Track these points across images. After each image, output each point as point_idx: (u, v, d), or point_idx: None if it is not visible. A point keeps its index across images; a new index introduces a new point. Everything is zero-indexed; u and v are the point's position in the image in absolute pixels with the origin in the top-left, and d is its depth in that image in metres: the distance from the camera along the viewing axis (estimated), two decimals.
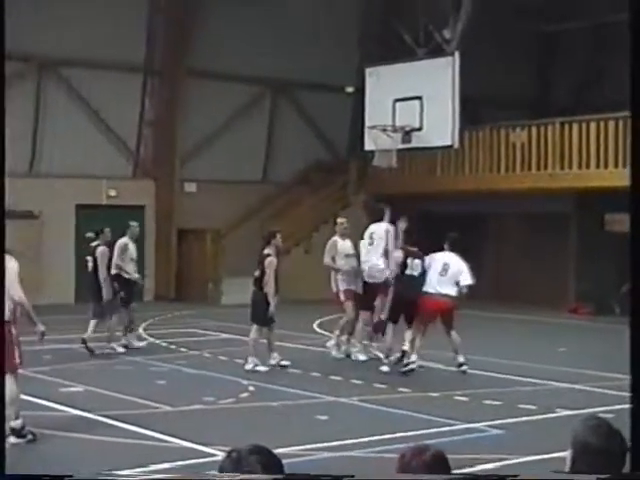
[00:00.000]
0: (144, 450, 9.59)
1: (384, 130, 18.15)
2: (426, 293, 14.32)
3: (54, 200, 24.03)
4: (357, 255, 15.60)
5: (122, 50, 24.52)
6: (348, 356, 15.58)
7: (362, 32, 27.60)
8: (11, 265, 9.15)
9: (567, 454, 3.45)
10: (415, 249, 14.63)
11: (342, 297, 15.61)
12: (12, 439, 9.25)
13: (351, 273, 15.59)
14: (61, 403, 11.72)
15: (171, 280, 25.28)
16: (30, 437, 9.68)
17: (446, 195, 24.64)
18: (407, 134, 17.96)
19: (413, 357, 14.21)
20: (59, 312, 21.38)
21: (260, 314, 14.43)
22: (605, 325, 20.75)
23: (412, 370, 14.09)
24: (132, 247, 16.53)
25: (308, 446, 9.65)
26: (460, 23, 19.45)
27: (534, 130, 23.67)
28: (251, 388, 12.92)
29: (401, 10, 22.68)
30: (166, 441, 9.94)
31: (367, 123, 18.74)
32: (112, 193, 25.29)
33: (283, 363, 14.58)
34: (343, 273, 15.59)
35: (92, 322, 15.94)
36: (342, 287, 15.58)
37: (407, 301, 14.42)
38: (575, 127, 22.80)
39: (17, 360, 9.38)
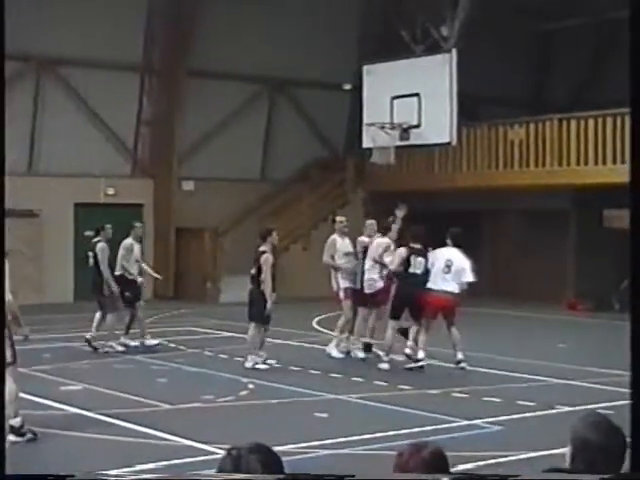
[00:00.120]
0: (144, 448, 9.59)
1: (382, 127, 18.16)
2: (429, 290, 14.34)
3: (53, 199, 24.05)
4: (356, 253, 15.60)
5: (120, 49, 24.52)
6: (348, 353, 15.57)
7: (360, 30, 27.59)
8: None
9: (567, 450, 3.46)
10: (419, 247, 14.62)
11: (341, 295, 15.61)
12: (11, 437, 9.24)
13: (350, 271, 15.58)
14: (61, 402, 11.72)
15: (170, 278, 25.26)
16: (30, 436, 9.68)
17: (444, 192, 24.64)
18: (405, 131, 17.96)
19: (421, 354, 14.21)
20: (58, 311, 21.45)
21: (258, 312, 14.43)
22: (604, 321, 20.76)
23: (422, 367, 14.10)
24: (137, 248, 16.48)
25: (308, 444, 9.66)
26: (457, 20, 19.44)
27: (532, 127, 23.67)
28: (251, 386, 12.93)
29: (398, 8, 22.65)
30: (166, 439, 9.94)
31: (365, 120, 18.74)
32: (110, 192, 25.30)
33: (269, 362, 14.55)
34: (343, 271, 15.58)
35: (96, 316, 16.00)
36: (342, 285, 15.57)
37: (409, 299, 14.43)
38: (573, 124, 22.81)
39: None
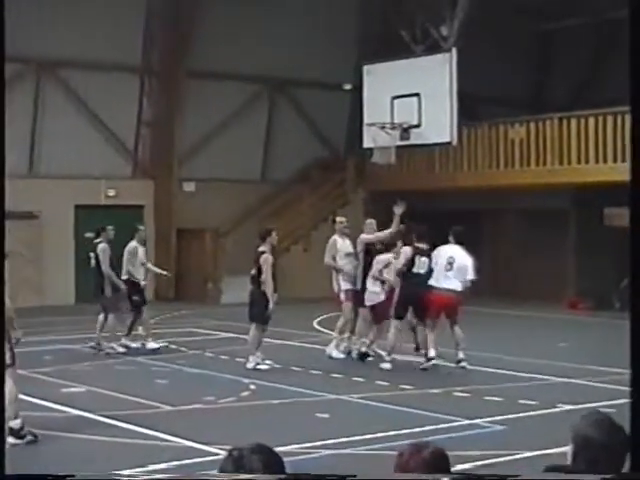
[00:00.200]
0: (146, 450, 9.60)
1: (382, 127, 18.16)
2: (432, 288, 14.34)
3: (53, 201, 24.04)
4: (356, 254, 15.60)
5: (119, 51, 24.52)
6: (349, 354, 15.56)
7: (359, 30, 27.59)
8: None
9: (568, 449, 3.45)
10: (423, 246, 14.62)
11: (342, 297, 15.59)
12: (11, 440, 9.23)
13: (351, 272, 15.57)
14: (62, 403, 11.72)
15: (171, 280, 25.23)
16: (30, 438, 9.66)
17: (445, 192, 24.64)
18: (405, 131, 17.97)
19: (432, 352, 14.22)
20: (59, 313, 21.45)
21: (258, 312, 14.42)
22: (605, 320, 20.75)
23: (435, 365, 14.10)
24: (141, 251, 16.43)
25: (309, 444, 9.66)
26: (457, 20, 19.45)
27: (532, 126, 23.66)
28: (252, 387, 12.93)
29: (398, 7, 22.65)
30: (168, 440, 9.95)
31: (365, 120, 18.75)
32: (111, 193, 25.31)
33: (267, 362, 14.54)
34: (343, 273, 15.56)
35: (99, 318, 16.03)
36: (342, 287, 15.55)
37: (413, 298, 14.43)
38: (574, 122, 22.80)
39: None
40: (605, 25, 27.17)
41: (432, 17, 19.80)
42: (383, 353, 15.09)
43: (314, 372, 14.18)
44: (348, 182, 27.42)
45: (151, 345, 16.06)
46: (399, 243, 15.12)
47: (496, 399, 12.09)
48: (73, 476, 3.25)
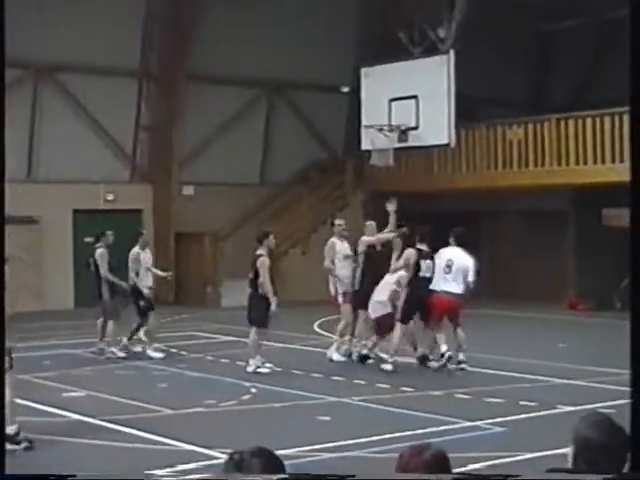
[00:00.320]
0: (147, 454, 9.60)
1: (380, 129, 18.16)
2: (432, 291, 14.34)
3: (52, 205, 24.05)
4: (355, 256, 15.60)
5: (118, 55, 24.53)
6: (350, 356, 15.55)
7: (357, 32, 27.61)
8: None
9: (569, 450, 3.46)
10: (425, 248, 14.63)
11: (340, 300, 15.58)
12: (7, 446, 9.14)
13: (349, 275, 15.57)
14: (63, 408, 11.72)
15: (170, 283, 25.23)
16: (26, 444, 9.55)
17: (443, 193, 24.65)
18: (403, 133, 17.97)
19: (444, 347, 14.25)
20: (59, 318, 21.44)
21: (257, 316, 14.42)
22: (605, 320, 20.76)
23: (450, 358, 14.17)
24: (144, 256, 16.32)
25: (310, 447, 9.66)
26: (455, 22, 19.46)
27: (530, 127, 23.67)
28: (253, 390, 12.93)
29: (396, 10, 22.67)
30: (169, 444, 9.94)
31: (363, 123, 18.75)
32: (110, 197, 25.31)
33: (268, 365, 14.55)
34: (341, 275, 15.55)
35: (98, 323, 16.03)
36: (340, 289, 15.54)
37: (421, 303, 14.43)
38: (572, 124, 22.81)
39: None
40: (603, 26, 27.20)
41: (430, 19, 19.80)
42: (384, 355, 15.10)
43: (315, 375, 14.17)
44: (347, 184, 27.42)
45: (154, 354, 15.97)
46: (399, 244, 15.11)
47: (497, 401, 12.09)
48: (74, 476, 3.26)
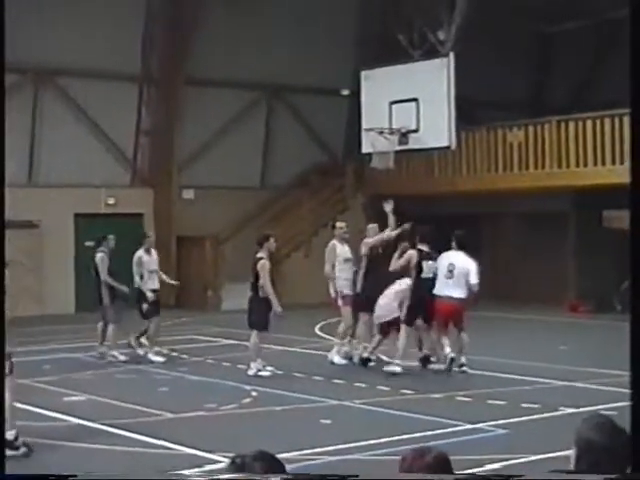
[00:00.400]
0: (148, 458, 9.59)
1: (381, 132, 18.17)
2: (435, 296, 14.33)
3: (53, 210, 24.06)
4: (356, 259, 15.60)
5: (118, 59, 24.55)
6: (351, 359, 15.54)
7: (357, 35, 27.62)
8: None
9: (571, 452, 3.45)
10: (426, 249, 14.62)
11: (340, 302, 15.57)
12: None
13: (350, 277, 15.57)
14: (64, 413, 11.71)
15: (171, 287, 25.23)
16: (24, 450, 9.48)
17: (444, 196, 24.64)
18: (404, 136, 17.98)
19: (447, 349, 14.23)
20: (60, 322, 21.44)
21: (258, 319, 14.41)
22: (606, 322, 20.75)
23: (453, 360, 14.14)
24: (148, 259, 16.23)
25: (312, 450, 9.65)
26: (454, 24, 19.47)
27: (531, 129, 23.68)
28: (254, 393, 12.92)
29: (396, 12, 22.68)
30: (170, 448, 9.93)
31: (364, 125, 18.75)
32: (110, 202, 25.32)
33: (269, 369, 14.54)
34: (341, 277, 15.54)
35: (98, 327, 16.04)
36: (340, 292, 15.54)
37: (423, 304, 14.41)
38: (572, 126, 22.81)
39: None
40: (603, 27, 27.21)
41: (430, 22, 19.81)
42: (385, 358, 15.11)
43: (316, 378, 14.17)
44: (347, 187, 27.42)
45: (155, 358, 15.95)
46: (403, 243, 15.11)
47: (498, 403, 12.08)
48: (75, 476, 3.26)
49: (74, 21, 23.73)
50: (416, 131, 17.85)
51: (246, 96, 26.96)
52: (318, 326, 19.89)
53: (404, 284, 14.72)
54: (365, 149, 18.92)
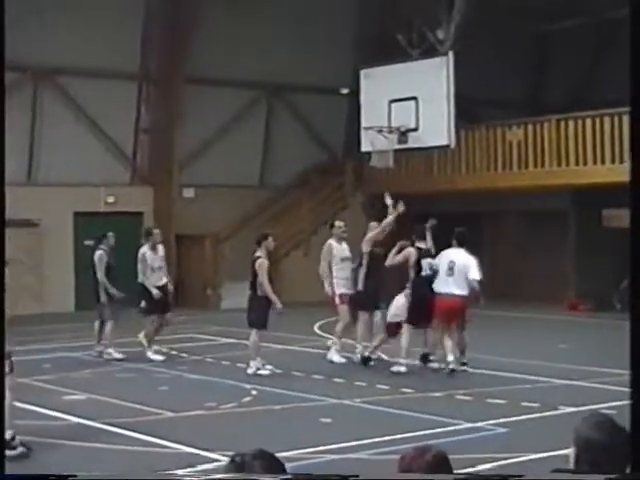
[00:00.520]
0: (147, 457, 9.59)
1: (380, 131, 18.18)
2: (436, 294, 14.30)
3: (52, 208, 24.05)
4: (354, 258, 15.62)
5: (118, 58, 24.55)
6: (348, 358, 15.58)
7: (356, 34, 27.62)
8: None
9: (571, 451, 3.45)
10: (424, 246, 14.62)
11: (337, 301, 15.58)
12: None
13: (348, 277, 15.58)
14: (63, 411, 11.71)
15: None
16: (22, 449, 9.42)
17: (443, 194, 24.64)
18: (403, 134, 18.00)
19: (450, 357, 14.10)
20: (59, 320, 21.43)
21: (257, 317, 14.42)
22: (605, 321, 20.76)
23: (453, 371, 13.94)
24: (152, 255, 16.15)
25: (312, 449, 9.65)
26: (453, 23, 19.48)
27: (530, 128, 23.67)
28: (254, 392, 12.92)
29: (395, 11, 22.69)
30: (169, 447, 9.94)
31: (363, 124, 18.77)
32: (110, 200, 25.31)
33: (268, 368, 14.55)
34: (338, 277, 15.56)
35: (95, 325, 16.05)
36: (337, 291, 15.54)
37: (424, 303, 14.40)
38: (571, 124, 22.80)
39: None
40: (602, 26, 27.21)
41: (428, 21, 19.83)
42: (385, 357, 15.13)
43: (315, 377, 14.17)
44: (347, 186, 27.44)
45: (154, 357, 15.93)
46: (401, 241, 15.11)
47: (498, 402, 12.09)
48: (75, 476, 3.26)
49: (73, 20, 23.72)
50: (415, 130, 17.87)
51: (246, 95, 26.96)
52: (317, 325, 19.89)
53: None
54: (364, 148, 18.94)
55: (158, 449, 9.88)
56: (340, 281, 15.53)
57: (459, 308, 14.30)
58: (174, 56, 25.35)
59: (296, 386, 13.35)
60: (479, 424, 10.82)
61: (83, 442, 10.21)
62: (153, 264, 16.10)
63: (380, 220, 15.85)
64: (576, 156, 22.61)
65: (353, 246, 15.78)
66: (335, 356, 15.49)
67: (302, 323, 19.76)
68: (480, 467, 8.64)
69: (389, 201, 15.52)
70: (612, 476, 3.23)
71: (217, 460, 9.00)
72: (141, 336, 16.23)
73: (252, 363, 14.47)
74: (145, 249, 16.22)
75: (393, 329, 14.73)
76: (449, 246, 14.63)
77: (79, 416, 11.43)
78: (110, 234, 16.34)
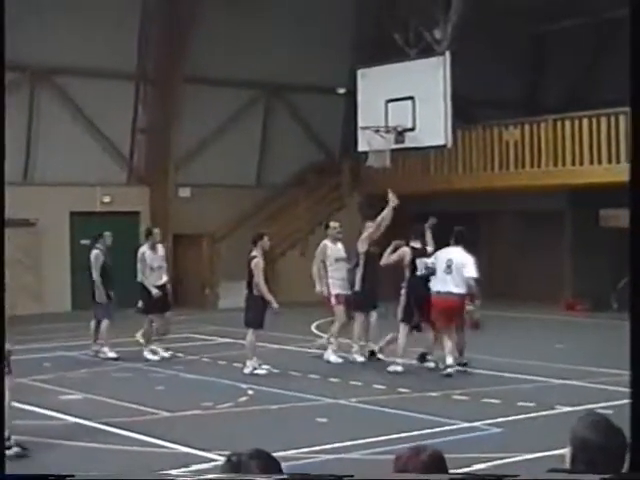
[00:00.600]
0: (144, 457, 9.59)
1: (377, 131, 18.17)
2: (434, 293, 14.29)
3: (49, 208, 24.04)
4: (347, 258, 15.63)
5: (115, 58, 24.53)
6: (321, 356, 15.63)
7: (353, 34, 27.62)
8: None
9: (566, 451, 3.45)
10: (420, 246, 14.62)
11: (333, 301, 15.58)
12: None
13: (343, 277, 15.59)
14: (60, 411, 11.70)
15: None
16: (17, 450, 9.36)
17: (440, 194, 24.64)
18: (400, 134, 17.99)
19: (449, 360, 14.03)
20: (56, 320, 21.43)
21: (253, 317, 14.42)
22: (602, 321, 20.77)
23: (450, 375, 13.84)
24: (152, 255, 16.16)
25: (308, 449, 9.65)
26: (450, 23, 19.48)
27: (527, 128, 23.68)
28: (250, 392, 12.92)
29: (392, 11, 22.69)
30: (166, 447, 9.93)
31: (360, 124, 18.76)
32: (106, 200, 25.30)
33: (265, 367, 14.55)
34: (333, 277, 15.57)
35: (91, 324, 16.06)
36: (333, 291, 15.55)
37: (419, 302, 14.40)
38: (568, 124, 22.81)
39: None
40: (599, 26, 27.24)
41: (425, 20, 19.83)
42: (381, 356, 15.15)
43: (312, 376, 14.17)
44: (343, 186, 27.45)
45: (150, 356, 15.92)
46: (396, 241, 15.11)
47: (494, 401, 12.09)
48: (73, 476, 3.26)
49: (71, 20, 23.70)
50: (412, 129, 17.86)
51: (243, 94, 26.95)
52: (314, 324, 19.89)
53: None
54: (361, 147, 18.93)
55: (154, 449, 9.88)
56: (336, 282, 15.54)
57: (457, 307, 14.26)
58: (172, 56, 25.33)
59: (292, 386, 13.35)
60: (475, 424, 10.82)
61: (80, 442, 10.20)
62: (152, 263, 16.10)
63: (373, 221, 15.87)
64: (573, 156, 22.62)
65: (350, 246, 15.78)
66: (332, 356, 15.49)
67: (299, 323, 19.76)
68: (476, 467, 8.65)
69: (395, 200, 15.40)
70: (607, 476, 3.23)
71: (213, 460, 9.00)
72: (138, 335, 16.24)
73: (249, 363, 14.47)
74: (144, 248, 16.22)
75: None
76: (446, 245, 14.63)
77: (76, 416, 11.43)
78: (107, 233, 16.33)
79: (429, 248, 14.93)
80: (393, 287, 15.16)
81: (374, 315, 15.44)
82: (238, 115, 26.92)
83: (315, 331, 19.27)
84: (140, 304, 16.02)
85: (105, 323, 16.01)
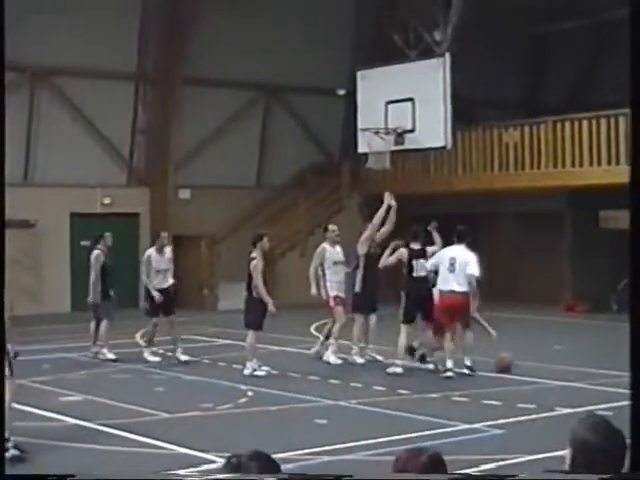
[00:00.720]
0: (143, 458, 9.58)
1: (377, 132, 18.17)
2: (438, 291, 14.26)
3: (49, 209, 24.05)
4: (346, 262, 15.64)
5: (115, 58, 24.55)
6: (320, 358, 15.61)
7: (353, 35, 27.63)
8: None
9: (566, 453, 3.45)
10: (418, 247, 14.62)
11: (332, 303, 15.58)
12: None
13: (340, 280, 15.59)
14: (60, 413, 11.70)
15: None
16: (14, 452, 9.30)
17: (440, 196, 24.64)
18: (400, 136, 17.98)
19: (449, 363, 13.99)
20: (56, 321, 21.42)
21: (253, 319, 14.42)
22: (602, 322, 20.77)
23: (450, 378, 13.80)
24: (158, 258, 16.12)
25: (308, 450, 9.65)
26: (450, 24, 19.49)
27: (527, 129, 23.69)
28: (250, 393, 12.92)
29: (392, 13, 22.70)
30: (165, 448, 9.93)
31: (360, 125, 18.75)
32: (106, 201, 25.30)
33: (264, 369, 14.53)
34: (331, 280, 15.57)
35: (91, 325, 16.05)
36: (331, 293, 15.55)
37: (419, 303, 14.38)
38: (567, 126, 22.81)
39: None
40: (599, 27, 27.25)
41: (425, 22, 19.83)
42: (379, 358, 15.15)
43: (312, 378, 14.17)
44: (343, 187, 27.45)
45: (150, 358, 15.91)
46: (394, 242, 15.10)
47: (494, 403, 12.09)
48: (73, 476, 3.26)
49: (71, 20, 23.71)
50: (412, 131, 17.84)
51: (243, 96, 26.96)
52: (314, 326, 19.87)
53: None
54: (361, 149, 18.92)
55: (154, 450, 9.87)
56: (334, 284, 15.58)
57: (460, 305, 14.19)
58: (171, 56, 25.34)
59: (292, 387, 13.35)
60: (475, 425, 10.82)
61: (80, 443, 10.20)
62: (158, 266, 16.08)
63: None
64: (572, 157, 22.62)
65: (349, 247, 15.78)
66: (331, 357, 15.49)
67: (298, 324, 19.76)
68: (476, 468, 8.64)
69: (393, 202, 15.40)
70: (605, 476, 3.22)
71: (213, 461, 9.00)
72: (138, 336, 16.24)
73: (248, 364, 14.47)
74: (151, 251, 16.24)
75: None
76: (447, 245, 14.64)
77: (75, 417, 11.43)
78: (107, 234, 16.33)
79: (436, 248, 14.89)
80: (394, 289, 15.15)
81: (374, 317, 15.44)
82: (238, 116, 26.93)
83: (315, 332, 19.25)
84: (146, 306, 16.02)
85: (104, 324, 16.00)
